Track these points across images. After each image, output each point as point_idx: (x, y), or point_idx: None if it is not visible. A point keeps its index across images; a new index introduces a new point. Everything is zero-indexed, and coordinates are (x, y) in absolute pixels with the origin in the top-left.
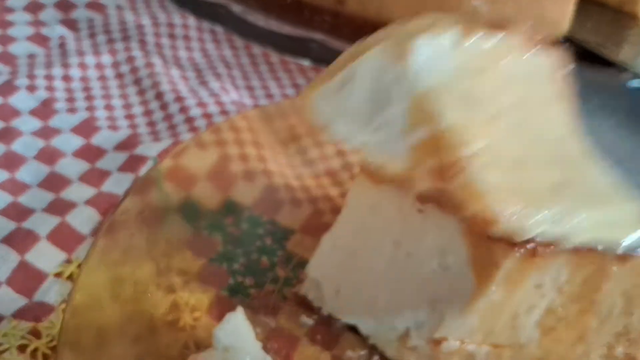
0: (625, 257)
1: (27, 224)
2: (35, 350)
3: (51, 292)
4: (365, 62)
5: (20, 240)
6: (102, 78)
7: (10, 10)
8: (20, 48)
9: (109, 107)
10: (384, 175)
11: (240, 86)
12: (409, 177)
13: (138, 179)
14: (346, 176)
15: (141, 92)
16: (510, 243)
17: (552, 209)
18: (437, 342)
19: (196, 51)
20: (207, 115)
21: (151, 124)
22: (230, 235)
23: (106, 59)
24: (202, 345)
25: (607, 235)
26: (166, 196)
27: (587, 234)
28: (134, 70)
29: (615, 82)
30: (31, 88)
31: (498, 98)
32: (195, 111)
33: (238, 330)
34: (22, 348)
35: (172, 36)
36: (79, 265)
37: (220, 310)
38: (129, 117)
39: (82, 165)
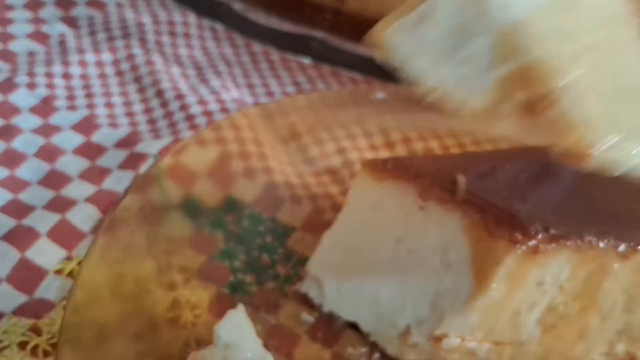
0: (626, 254)
1: (27, 221)
2: (36, 347)
3: (51, 289)
4: None
5: (21, 237)
6: (103, 76)
7: (10, 7)
8: (20, 46)
9: (109, 105)
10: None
11: (240, 84)
12: (493, 114)
13: (138, 177)
14: (347, 174)
15: (141, 89)
16: (511, 240)
17: None
18: (438, 339)
19: (197, 49)
20: (208, 113)
21: (151, 121)
22: (230, 232)
23: (106, 56)
24: (203, 342)
25: None
26: (167, 194)
27: None
28: (134, 68)
29: None
30: (31, 86)
31: (586, 34)
32: (195, 109)
33: (239, 327)
34: (22, 345)
35: (172, 34)
36: (80, 263)
37: (221, 307)
38: (129, 114)
39: (82, 163)
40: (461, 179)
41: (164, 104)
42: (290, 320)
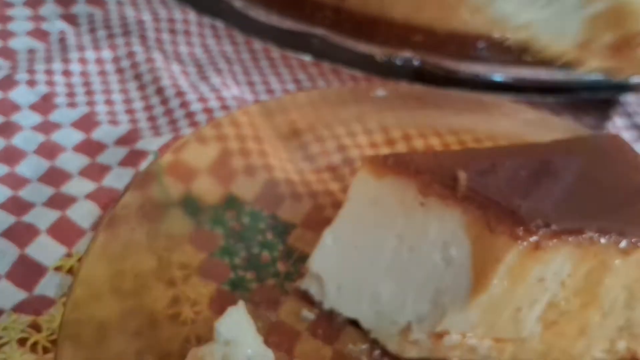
0: (627, 250)
1: (27, 218)
2: (35, 343)
3: (51, 286)
4: None
5: (21, 234)
6: (103, 73)
7: (10, 5)
8: (20, 43)
9: (109, 102)
10: None
11: (241, 81)
12: (580, 55)
13: (138, 174)
14: (347, 171)
15: (142, 87)
16: (512, 236)
17: None
18: (439, 336)
19: (197, 46)
20: (208, 110)
21: (152, 118)
22: (231, 229)
23: (106, 54)
24: (203, 339)
25: None
26: (167, 191)
27: None
28: (134, 65)
29: None
30: (31, 83)
31: None
32: (196, 106)
33: (239, 324)
34: (22, 341)
35: (172, 31)
36: (80, 259)
37: (221, 304)
38: (130, 112)
39: (82, 160)
40: (462, 175)
41: (164, 101)
42: (291, 317)
